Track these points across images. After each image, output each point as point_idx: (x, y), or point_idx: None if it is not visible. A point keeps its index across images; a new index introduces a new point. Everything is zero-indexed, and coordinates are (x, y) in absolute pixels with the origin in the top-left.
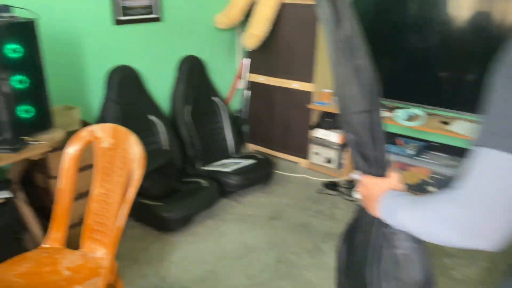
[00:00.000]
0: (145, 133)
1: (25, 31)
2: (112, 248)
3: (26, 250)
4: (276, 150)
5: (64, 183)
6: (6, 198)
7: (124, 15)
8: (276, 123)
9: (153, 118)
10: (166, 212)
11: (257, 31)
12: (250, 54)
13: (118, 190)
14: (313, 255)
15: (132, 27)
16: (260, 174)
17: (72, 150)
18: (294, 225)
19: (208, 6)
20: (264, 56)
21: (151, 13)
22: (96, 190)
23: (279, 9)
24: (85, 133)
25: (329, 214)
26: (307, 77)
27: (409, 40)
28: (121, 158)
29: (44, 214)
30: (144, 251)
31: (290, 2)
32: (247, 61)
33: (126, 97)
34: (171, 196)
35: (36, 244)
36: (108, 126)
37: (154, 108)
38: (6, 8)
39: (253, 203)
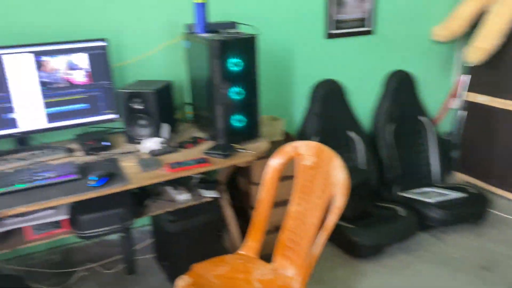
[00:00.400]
0: (342, 149)
1: (246, 46)
2: (305, 273)
3: (224, 247)
4: (493, 185)
5: (264, 194)
6: (213, 197)
7: (336, 28)
8: (497, 152)
9: (352, 134)
10: (357, 237)
11: (484, 44)
12: (471, 70)
13: (315, 212)
14: None
15: (342, 41)
16: (471, 211)
17: (274, 163)
18: None
19: (425, 17)
20: (489, 73)
21: (363, 26)
22: (294, 208)
23: None
24: (289, 148)
25: None
26: None
27: None
28: (322, 179)
29: (243, 215)
30: (330, 273)
31: None
32: (465, 78)
33: (328, 111)
34: (363, 220)
35: (233, 244)
36: (312, 144)
37: (354, 124)
38: (233, 24)
39: (458, 245)
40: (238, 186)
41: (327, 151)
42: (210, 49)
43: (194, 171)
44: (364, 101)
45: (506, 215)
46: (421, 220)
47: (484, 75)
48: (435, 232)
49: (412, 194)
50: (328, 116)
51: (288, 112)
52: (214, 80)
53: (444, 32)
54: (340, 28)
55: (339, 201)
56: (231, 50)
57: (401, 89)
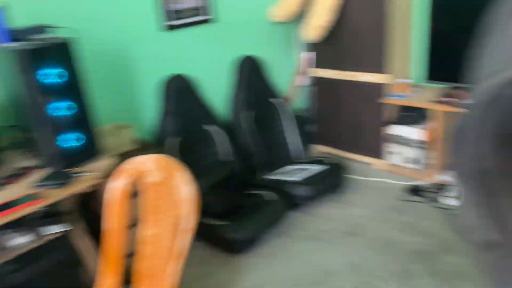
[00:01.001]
0: (203, 145)
1: (63, 52)
2: None
3: (82, 283)
4: (346, 151)
5: (112, 223)
6: (60, 232)
7: (173, 19)
8: (346, 121)
9: (210, 127)
10: (232, 233)
11: (320, 21)
12: (313, 47)
13: (169, 234)
14: (402, 279)
15: (182, 32)
16: (332, 181)
17: (116, 185)
18: (375, 242)
19: None
20: (329, 48)
21: (202, 14)
22: (146, 231)
23: None
24: (129, 166)
25: (417, 226)
26: (379, 68)
27: None
28: (171, 197)
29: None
30: (210, 277)
31: None
32: (309, 55)
33: (182, 108)
34: (236, 213)
35: (92, 277)
36: (155, 157)
37: (211, 116)
38: (40, 29)
39: (326, 216)
40: (91, 208)
41: (172, 163)
42: (17, 61)
43: (23, 212)
44: (218, 91)
45: (361, 177)
46: (289, 200)
47: (325, 51)
48: (304, 209)
49: (276, 175)
50: (183, 113)
51: (138, 117)
52: (31, 97)
53: (280, 12)
54: (177, 18)
55: (190, 221)
56: (44, 59)
57: (251, 74)
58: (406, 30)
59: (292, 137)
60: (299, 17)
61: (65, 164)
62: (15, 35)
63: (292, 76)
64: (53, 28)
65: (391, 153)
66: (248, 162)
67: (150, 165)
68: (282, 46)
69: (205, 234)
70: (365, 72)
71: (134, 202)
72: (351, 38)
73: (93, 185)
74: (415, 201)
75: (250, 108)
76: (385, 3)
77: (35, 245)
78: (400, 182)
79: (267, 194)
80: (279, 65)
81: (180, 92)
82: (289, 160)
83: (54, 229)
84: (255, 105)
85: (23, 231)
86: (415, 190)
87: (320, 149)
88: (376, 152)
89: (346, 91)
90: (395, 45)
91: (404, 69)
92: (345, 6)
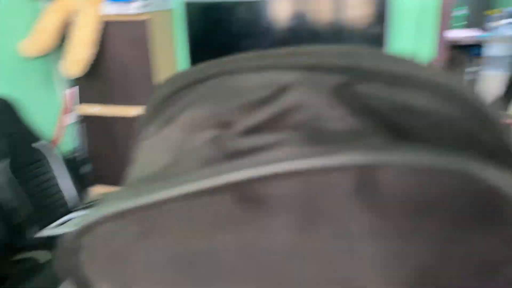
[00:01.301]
0: None
1: None
2: None
3: None
4: None
5: None
6: None
7: None
8: (121, 157)
9: None
10: None
11: (78, 56)
12: (76, 82)
13: None
14: None
15: None
16: None
17: None
18: None
19: (7, 32)
20: (94, 83)
21: None
22: None
23: (102, 28)
24: None
25: None
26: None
27: (247, 48)
28: None
29: None
30: None
31: (114, 20)
32: (73, 91)
33: None
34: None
35: None
36: None
37: None
38: None
39: None
40: None
41: None
42: None
43: None
44: None
45: None
46: None
47: (90, 85)
48: None
49: (52, 230)
50: None
51: None
52: None
53: (32, 46)
54: None
55: None
56: None
57: (1, 119)
58: (172, 63)
59: (65, 183)
60: (56, 51)
61: None
62: None
63: (58, 115)
64: None
65: None
66: (12, 222)
67: None
68: (42, 83)
69: None
70: (136, 105)
71: None
72: (117, 72)
73: None
74: None
75: (5, 157)
76: (147, 36)
77: None
78: None
79: (41, 255)
80: (40, 105)
81: None
82: (66, 209)
83: None
84: (12, 153)
85: None
86: None
87: (99, 190)
88: None
89: (119, 125)
90: (163, 77)
91: None
92: (106, 39)
